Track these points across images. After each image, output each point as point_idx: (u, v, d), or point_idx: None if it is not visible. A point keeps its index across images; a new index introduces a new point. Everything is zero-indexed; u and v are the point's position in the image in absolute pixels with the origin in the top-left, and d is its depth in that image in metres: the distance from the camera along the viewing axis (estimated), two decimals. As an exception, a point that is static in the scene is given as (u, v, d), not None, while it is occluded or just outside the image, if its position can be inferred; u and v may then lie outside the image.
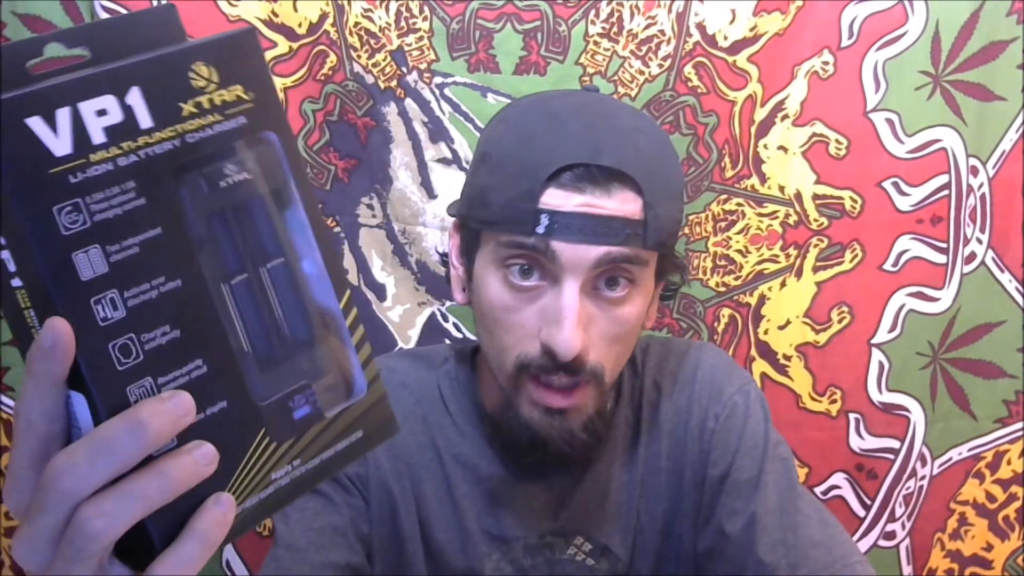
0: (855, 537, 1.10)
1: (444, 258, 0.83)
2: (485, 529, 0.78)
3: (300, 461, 0.40)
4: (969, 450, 1.10)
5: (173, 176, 0.36)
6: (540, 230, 0.66)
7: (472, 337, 1.04)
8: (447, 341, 1.06)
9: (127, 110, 0.35)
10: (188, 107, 0.37)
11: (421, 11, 0.98)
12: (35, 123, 0.33)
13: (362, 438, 0.42)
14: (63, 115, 0.34)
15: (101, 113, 0.35)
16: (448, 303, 1.06)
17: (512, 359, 0.70)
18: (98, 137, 0.35)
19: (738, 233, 1.05)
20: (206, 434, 0.36)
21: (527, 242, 0.67)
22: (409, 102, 1.00)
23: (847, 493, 1.09)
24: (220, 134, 0.38)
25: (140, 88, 0.36)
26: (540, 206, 0.66)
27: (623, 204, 0.67)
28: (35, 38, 0.37)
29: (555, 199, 0.67)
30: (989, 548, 1.12)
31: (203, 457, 0.36)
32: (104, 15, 0.94)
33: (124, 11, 0.96)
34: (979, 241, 1.06)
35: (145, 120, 0.36)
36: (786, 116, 1.02)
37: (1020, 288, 1.07)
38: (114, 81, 0.35)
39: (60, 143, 0.34)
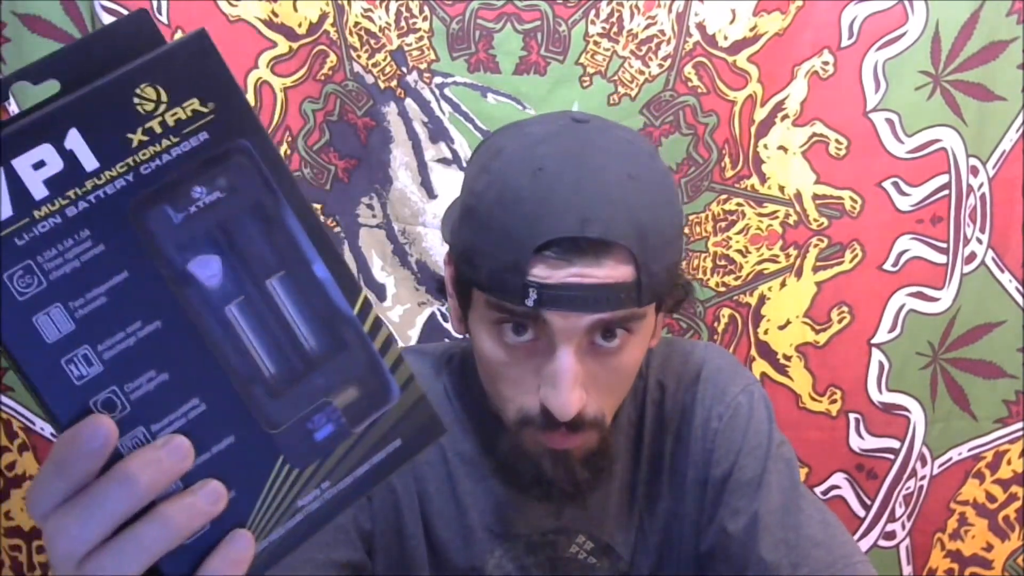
0: (855, 537, 1.10)
1: (441, 284, 0.82)
2: (488, 526, 0.78)
3: (330, 483, 0.38)
4: (969, 450, 1.10)
5: (134, 214, 0.34)
6: (529, 303, 0.64)
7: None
8: (447, 341, 1.06)
9: (67, 156, 0.33)
10: (138, 136, 0.34)
11: (421, 11, 0.98)
12: None
13: (401, 446, 0.40)
14: None
15: (39, 166, 0.33)
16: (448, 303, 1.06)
17: (513, 411, 0.69)
18: (39, 192, 0.33)
19: (738, 233, 1.05)
20: (216, 472, 0.35)
21: (517, 310, 0.65)
22: (409, 102, 1.00)
23: (847, 493, 1.09)
24: (179, 157, 0.35)
25: (78, 128, 0.33)
26: (528, 280, 0.64)
27: (614, 271, 0.65)
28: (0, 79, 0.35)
29: (543, 272, 0.64)
30: (989, 548, 1.12)
31: (208, 496, 0.35)
32: (104, 15, 0.94)
33: (124, 11, 0.96)
34: (979, 241, 1.06)
35: (90, 162, 0.33)
36: (786, 116, 1.02)
37: (1020, 288, 1.07)
38: (48, 128, 0.33)
39: None
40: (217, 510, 0.35)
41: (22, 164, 0.32)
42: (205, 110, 0.35)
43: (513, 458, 0.71)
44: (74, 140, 0.33)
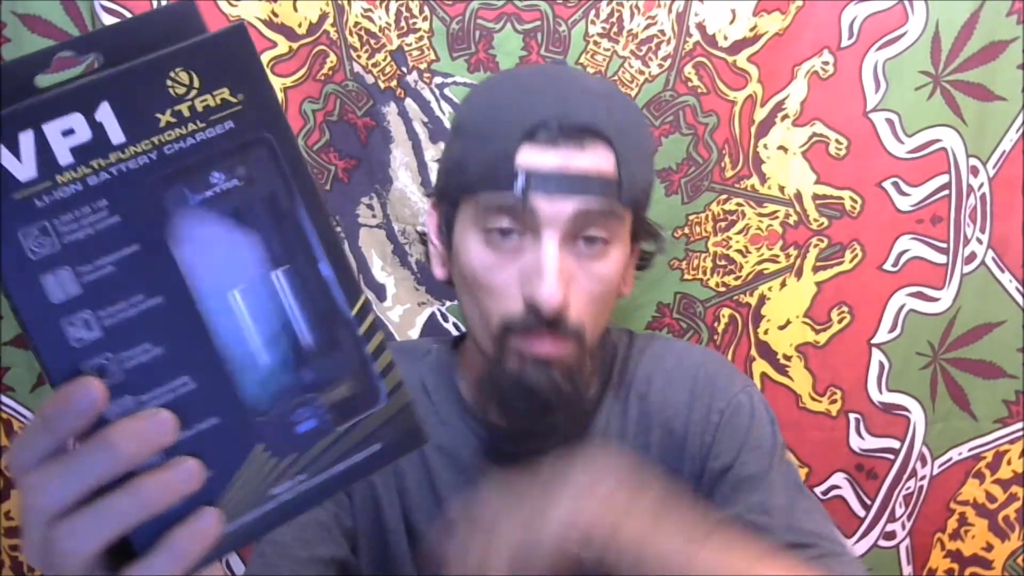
0: (855, 537, 1.10)
1: (423, 237, 0.85)
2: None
3: (306, 476, 0.39)
4: (969, 450, 1.10)
5: (151, 191, 0.35)
6: (518, 189, 0.68)
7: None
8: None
9: (96, 127, 0.34)
10: (166, 117, 0.35)
11: (421, 11, 0.98)
12: None
13: (381, 450, 0.40)
14: (26, 139, 0.33)
15: (67, 133, 0.34)
16: (448, 303, 1.06)
17: (496, 321, 0.71)
18: (65, 158, 0.34)
19: (738, 233, 1.05)
20: (196, 450, 0.36)
21: (506, 202, 0.68)
22: (409, 102, 1.00)
23: (847, 493, 1.09)
24: (203, 142, 0.36)
25: (110, 103, 0.34)
26: (516, 165, 0.68)
27: (597, 160, 0.69)
28: (45, 49, 0.36)
29: (530, 158, 0.69)
30: (989, 548, 1.12)
31: (184, 473, 0.35)
32: (104, 15, 0.94)
33: (125, 11, 0.96)
34: (979, 241, 1.06)
35: (117, 136, 0.35)
36: (786, 116, 1.02)
37: (1020, 288, 1.07)
38: (81, 98, 0.34)
39: (24, 168, 0.33)
40: (191, 488, 0.35)
41: (52, 129, 0.34)
42: (234, 100, 0.37)
43: (495, 381, 0.72)
44: (105, 113, 0.34)
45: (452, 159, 0.75)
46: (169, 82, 0.36)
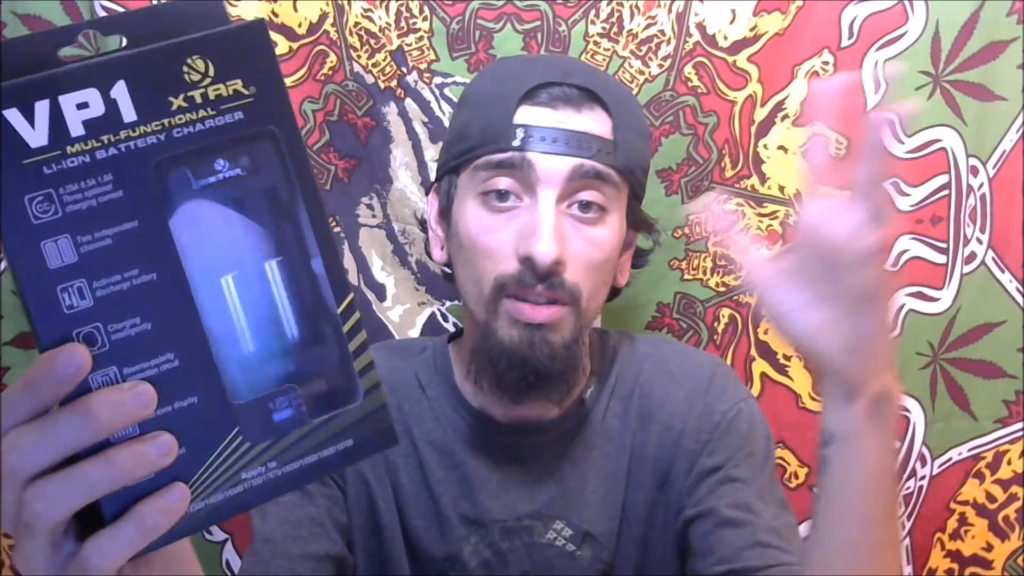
0: (855, 537, 1.10)
1: (423, 225, 0.87)
2: (462, 513, 0.78)
3: (277, 464, 0.39)
4: (969, 450, 1.10)
5: (157, 171, 0.36)
6: (516, 143, 0.70)
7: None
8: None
9: (110, 103, 0.35)
10: (178, 101, 0.37)
11: (421, 11, 0.98)
12: (12, 115, 0.34)
13: (351, 447, 0.41)
14: (41, 108, 0.34)
15: (82, 106, 0.35)
16: (448, 303, 1.06)
17: (490, 282, 0.72)
18: (76, 130, 0.35)
19: (738, 233, 1.05)
20: (173, 426, 0.36)
21: (504, 158, 0.71)
22: (409, 102, 1.00)
23: (847, 493, 1.09)
24: (212, 129, 0.37)
25: (126, 82, 0.36)
26: (515, 122, 0.71)
27: (594, 122, 0.72)
28: (72, 25, 0.37)
29: (529, 116, 0.71)
30: (989, 548, 1.12)
31: (158, 447, 0.36)
32: (103, 15, 0.94)
33: (124, 11, 0.96)
34: (979, 241, 1.06)
35: (129, 114, 0.36)
36: (786, 116, 1.02)
37: (1020, 288, 1.06)
38: (99, 75, 0.35)
39: (36, 135, 0.34)
40: (165, 463, 0.36)
41: (67, 101, 0.35)
42: (246, 92, 0.38)
43: (486, 349, 0.72)
44: (120, 91, 0.36)
45: (455, 129, 0.77)
46: (185, 68, 0.37)
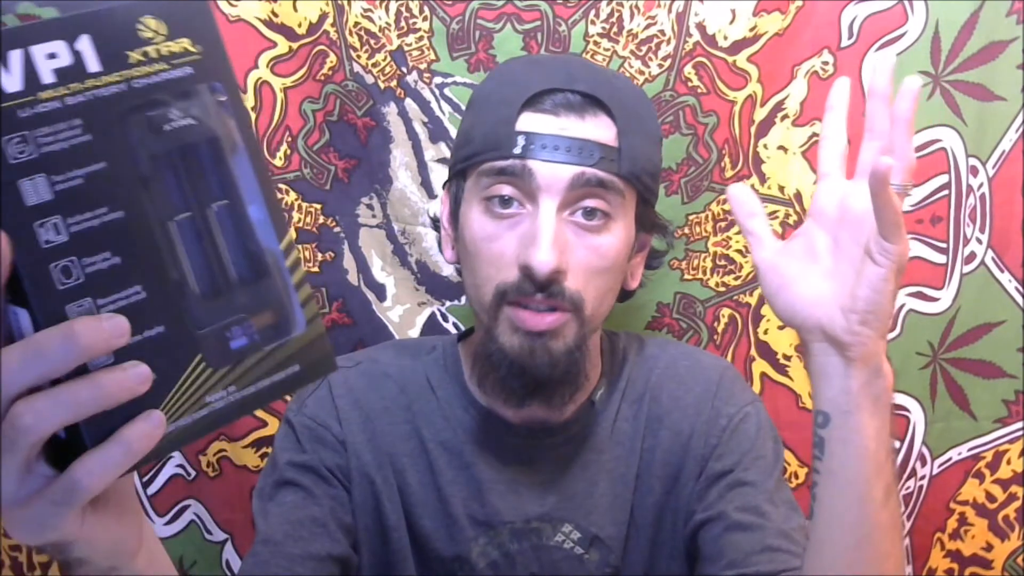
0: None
1: (436, 223, 0.87)
2: (471, 514, 0.78)
3: (236, 388, 0.43)
4: (969, 450, 1.10)
5: (119, 117, 0.40)
6: (517, 150, 0.70)
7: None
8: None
9: (76, 55, 0.39)
10: (135, 55, 0.40)
11: (421, 11, 0.98)
12: None
13: (299, 372, 0.45)
14: (15, 56, 0.37)
15: (51, 56, 0.38)
16: (448, 303, 1.06)
17: (492, 289, 0.72)
18: (48, 77, 0.38)
19: (738, 233, 1.05)
20: (142, 355, 0.39)
21: (505, 165, 0.70)
22: (409, 102, 1.00)
23: (847, 493, 1.09)
24: (166, 81, 0.41)
25: (89, 35, 0.39)
26: (517, 130, 0.70)
27: (597, 129, 0.71)
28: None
29: (531, 123, 0.71)
30: (989, 548, 1.12)
31: (136, 376, 0.38)
32: None
33: None
34: (979, 241, 1.06)
35: (93, 64, 0.39)
36: (786, 116, 1.02)
37: (1020, 288, 1.07)
38: (65, 28, 0.38)
39: (11, 80, 0.37)
40: (141, 390, 0.38)
41: (38, 51, 0.38)
42: (194, 50, 0.42)
43: (488, 355, 0.73)
44: (84, 44, 0.39)
45: (461, 133, 0.77)
46: (140, 27, 0.41)
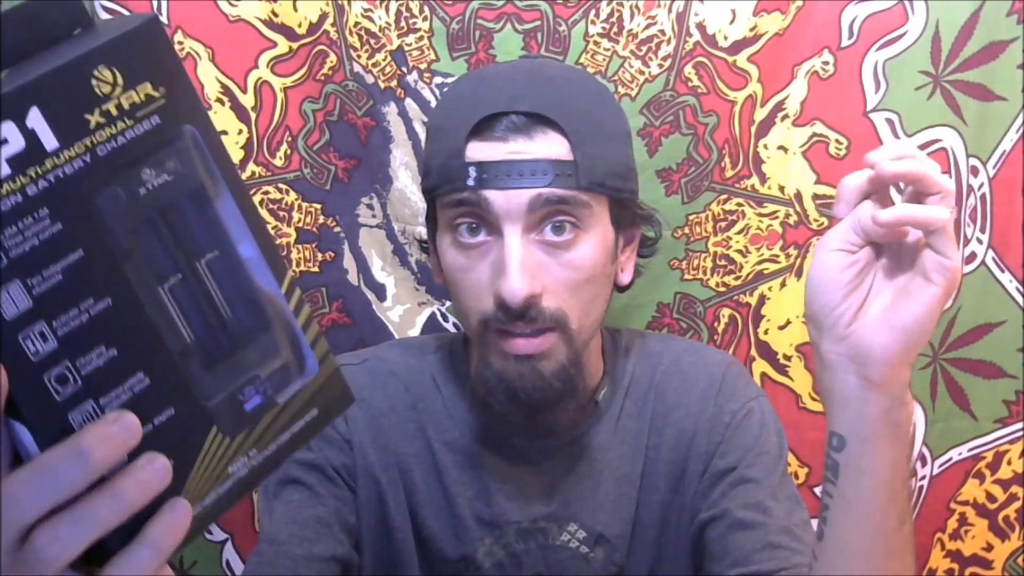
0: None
1: (423, 246, 0.86)
2: (476, 514, 0.78)
3: (256, 450, 0.40)
4: (969, 450, 1.10)
5: (89, 195, 0.35)
6: (470, 182, 0.69)
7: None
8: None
9: (29, 135, 0.33)
10: (95, 118, 0.35)
11: (421, 11, 0.98)
12: None
13: (317, 416, 0.43)
14: None
15: (2, 143, 0.33)
16: (448, 303, 1.06)
17: (474, 319, 0.72)
18: (3, 170, 0.33)
19: (738, 233, 1.05)
20: (156, 443, 0.36)
21: (462, 197, 0.69)
22: (409, 102, 1.00)
23: (847, 493, 1.09)
24: (132, 140, 0.36)
25: (39, 107, 0.33)
26: (467, 160, 0.69)
27: (549, 146, 0.69)
28: None
29: (480, 152, 0.69)
30: (989, 548, 1.12)
31: (156, 472, 0.36)
32: (104, 15, 0.94)
33: (124, 11, 0.96)
34: (979, 241, 1.06)
35: (50, 141, 0.34)
36: (786, 116, 1.02)
37: (1020, 288, 1.06)
38: (10, 106, 0.33)
39: None
40: (164, 484, 0.36)
41: None
42: (157, 94, 0.37)
43: (486, 379, 0.73)
44: (35, 119, 0.33)
45: (422, 163, 0.77)
46: (94, 81, 0.35)
